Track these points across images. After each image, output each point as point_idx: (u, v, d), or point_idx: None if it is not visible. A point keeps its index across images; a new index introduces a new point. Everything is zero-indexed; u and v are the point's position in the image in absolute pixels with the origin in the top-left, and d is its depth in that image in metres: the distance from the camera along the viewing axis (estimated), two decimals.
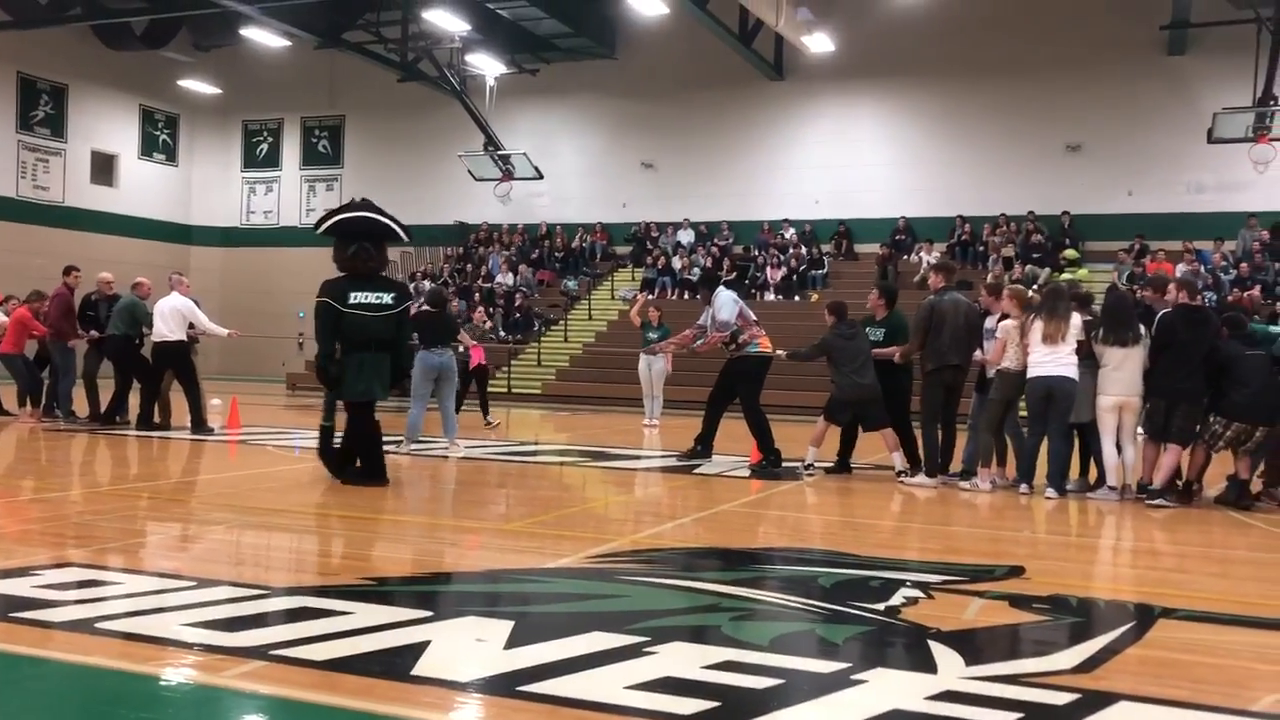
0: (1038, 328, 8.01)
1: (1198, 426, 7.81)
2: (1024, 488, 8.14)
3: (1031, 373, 8.04)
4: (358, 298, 7.59)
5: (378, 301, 7.61)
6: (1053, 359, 7.94)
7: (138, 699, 3.12)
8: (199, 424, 11.23)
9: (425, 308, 10.58)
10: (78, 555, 5.06)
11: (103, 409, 11.87)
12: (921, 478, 8.57)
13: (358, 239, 7.70)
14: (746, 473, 9.16)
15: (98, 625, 3.75)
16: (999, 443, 8.61)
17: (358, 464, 7.83)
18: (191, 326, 11.51)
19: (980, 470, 8.43)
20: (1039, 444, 8.23)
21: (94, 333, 12.12)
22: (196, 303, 11.78)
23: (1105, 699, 3.21)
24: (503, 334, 24.81)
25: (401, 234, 7.92)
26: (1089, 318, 8.29)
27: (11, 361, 12.59)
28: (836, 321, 9.04)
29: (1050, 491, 7.95)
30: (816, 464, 9.03)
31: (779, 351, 9.93)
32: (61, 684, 3.26)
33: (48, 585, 4.30)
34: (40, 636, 3.61)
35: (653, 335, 14.44)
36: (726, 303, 9.49)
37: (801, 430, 10.32)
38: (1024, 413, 8.50)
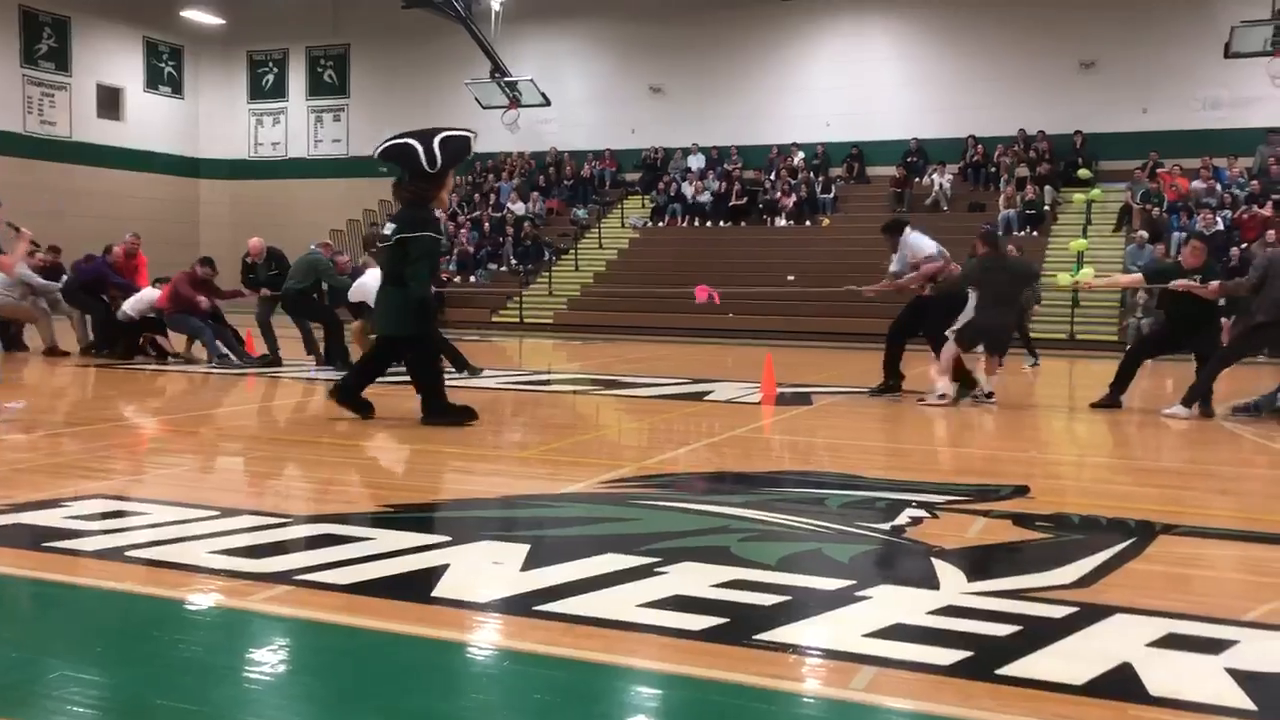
0: None
1: None
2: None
3: None
4: (384, 230, 7.48)
5: (385, 234, 7.41)
6: None
7: (169, 623, 3.25)
8: (462, 366, 11.03)
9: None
10: (105, 487, 5.20)
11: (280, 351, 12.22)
12: (1179, 408, 8.37)
13: (403, 167, 7.39)
14: (757, 399, 9.24)
15: (127, 554, 3.88)
16: None
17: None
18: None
19: None
20: None
21: (265, 291, 12.29)
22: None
23: (1102, 612, 3.31)
24: (513, 263, 24.83)
25: (422, 160, 7.24)
26: None
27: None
28: (987, 251, 8.92)
29: None
30: (947, 394, 8.86)
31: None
32: (94, 610, 3.39)
33: (76, 516, 4.43)
34: (72, 564, 3.74)
35: None
36: (925, 241, 9.28)
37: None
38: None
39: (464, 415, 7.43)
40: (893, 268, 9.70)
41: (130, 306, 12.61)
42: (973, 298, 8.83)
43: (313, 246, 12.19)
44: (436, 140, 7.24)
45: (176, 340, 12.92)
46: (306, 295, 11.79)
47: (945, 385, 8.87)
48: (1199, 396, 8.38)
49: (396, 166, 7.45)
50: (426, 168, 7.22)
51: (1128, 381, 8.86)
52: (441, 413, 7.39)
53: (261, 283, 12.42)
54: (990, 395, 8.98)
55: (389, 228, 7.41)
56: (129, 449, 6.40)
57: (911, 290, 9.59)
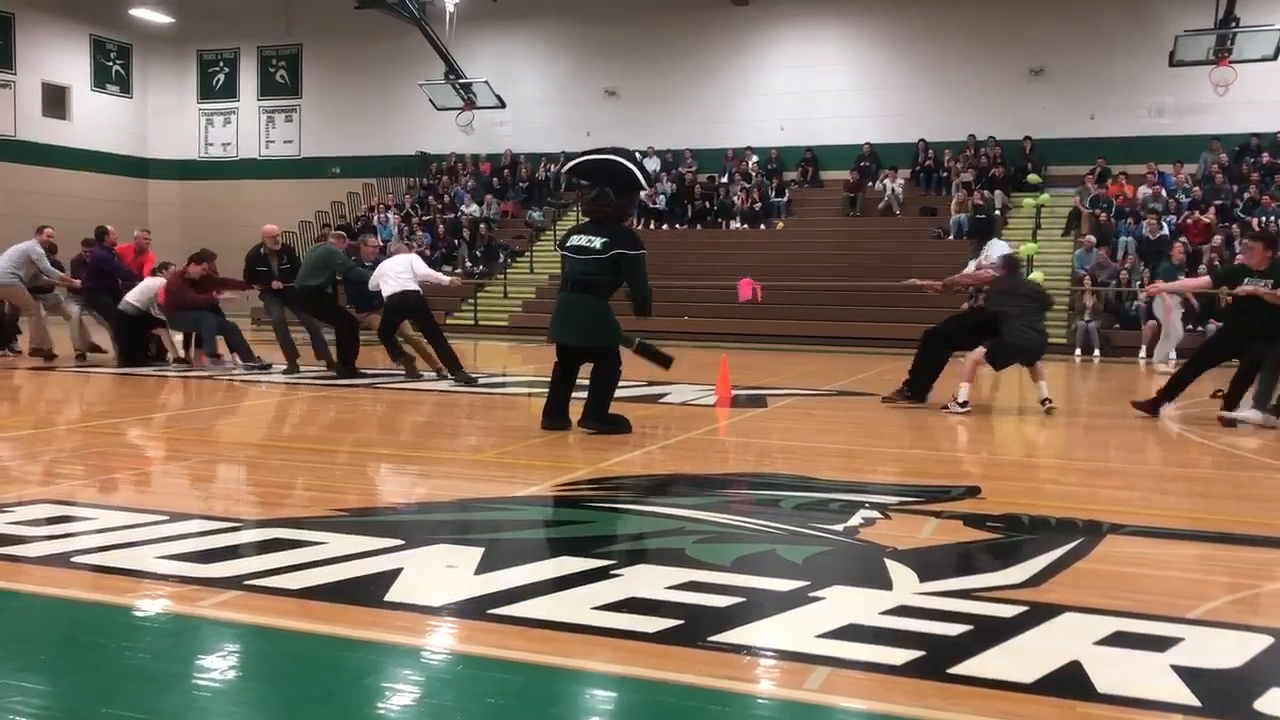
0: None
1: None
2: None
3: None
4: (575, 240, 7.41)
5: (586, 244, 7.31)
6: None
7: (115, 629, 3.19)
8: (456, 371, 10.48)
9: None
10: (51, 491, 5.10)
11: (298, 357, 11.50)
12: (1253, 412, 8.06)
13: (602, 183, 7.46)
14: (712, 401, 9.27)
15: (72, 559, 3.81)
16: None
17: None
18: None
19: None
20: None
21: (276, 284, 11.57)
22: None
23: (1052, 610, 3.35)
24: (469, 265, 24.70)
25: (641, 179, 7.53)
26: None
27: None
28: (1007, 272, 8.91)
29: None
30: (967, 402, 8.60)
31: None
32: (37, 617, 3.32)
33: (19, 521, 4.34)
34: (14, 571, 3.66)
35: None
36: (1003, 249, 9.57)
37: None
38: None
39: (623, 426, 7.40)
40: (968, 269, 9.90)
41: (134, 297, 11.93)
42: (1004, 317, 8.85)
43: (330, 240, 11.80)
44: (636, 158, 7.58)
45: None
46: (320, 293, 11.08)
47: (964, 391, 8.62)
48: (1270, 401, 8.05)
49: (595, 184, 7.49)
50: (645, 185, 7.66)
51: (1177, 393, 8.49)
52: (604, 421, 7.38)
53: (275, 276, 11.63)
54: (1047, 401, 8.78)
55: (590, 240, 7.31)
56: (80, 453, 6.28)
57: (958, 292, 9.89)
